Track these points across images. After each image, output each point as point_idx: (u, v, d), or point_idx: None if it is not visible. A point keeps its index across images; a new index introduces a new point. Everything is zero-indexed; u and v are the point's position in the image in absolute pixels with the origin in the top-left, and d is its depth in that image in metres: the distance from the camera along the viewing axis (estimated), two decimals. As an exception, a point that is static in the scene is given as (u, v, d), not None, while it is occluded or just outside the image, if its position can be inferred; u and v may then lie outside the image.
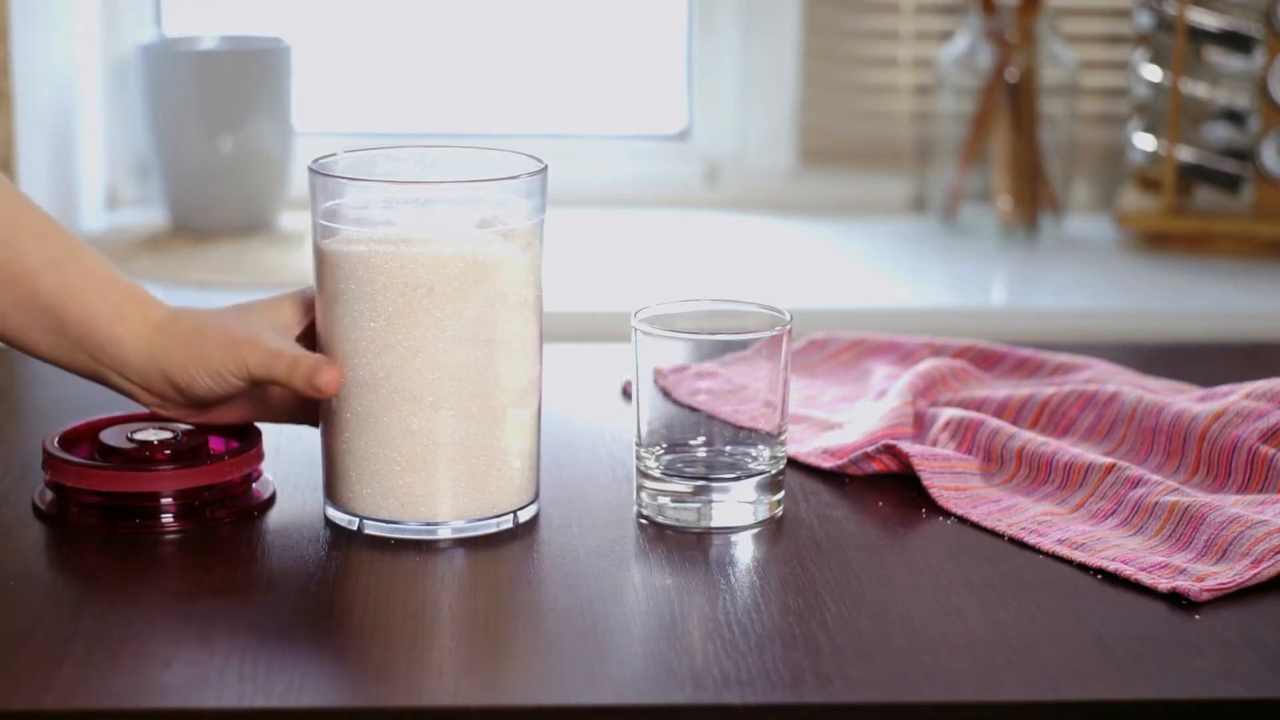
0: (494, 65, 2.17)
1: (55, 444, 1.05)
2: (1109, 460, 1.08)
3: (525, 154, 1.03)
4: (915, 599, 0.95)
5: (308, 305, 1.04)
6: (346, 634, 0.91)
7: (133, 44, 2.05)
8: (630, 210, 2.14)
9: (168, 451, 1.04)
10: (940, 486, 1.08)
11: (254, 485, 1.06)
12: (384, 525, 1.01)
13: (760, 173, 2.17)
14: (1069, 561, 1.00)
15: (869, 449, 1.11)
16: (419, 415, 1.00)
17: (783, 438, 1.05)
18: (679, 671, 0.87)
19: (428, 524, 1.01)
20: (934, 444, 1.14)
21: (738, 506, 1.04)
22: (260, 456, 1.07)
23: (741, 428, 1.05)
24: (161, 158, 2.01)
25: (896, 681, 0.87)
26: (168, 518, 1.02)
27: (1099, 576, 0.98)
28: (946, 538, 1.04)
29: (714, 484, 1.04)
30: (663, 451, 1.05)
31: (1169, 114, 1.98)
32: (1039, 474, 1.10)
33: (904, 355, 1.30)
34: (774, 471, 1.05)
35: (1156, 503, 1.04)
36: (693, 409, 1.06)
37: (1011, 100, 2.03)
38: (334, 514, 1.03)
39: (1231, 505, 1.04)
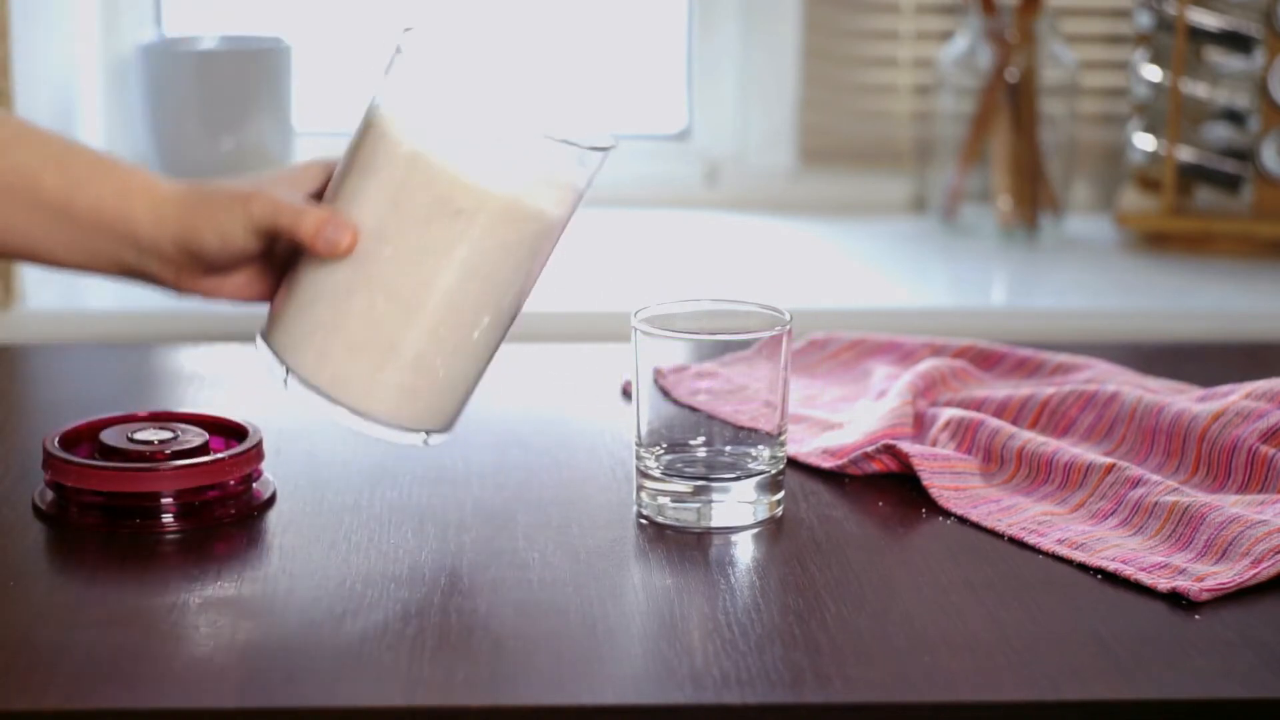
0: (494, 65, 2.17)
1: (55, 444, 1.05)
2: (1109, 460, 1.08)
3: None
4: (915, 599, 0.95)
5: (329, 173, 1.03)
6: (346, 634, 0.91)
7: (133, 44, 2.05)
8: (630, 210, 2.14)
9: (168, 451, 1.04)
10: (940, 486, 1.08)
11: (254, 485, 1.06)
12: (312, 392, 1.00)
13: (760, 173, 2.17)
14: (1069, 561, 1.00)
15: (869, 449, 1.11)
16: (393, 311, 0.99)
17: (783, 438, 1.05)
18: (679, 671, 0.87)
19: (354, 411, 1.00)
20: (934, 444, 1.14)
21: (738, 506, 1.04)
22: (260, 456, 1.07)
23: (741, 428, 1.05)
24: (161, 158, 2.00)
25: (896, 681, 0.87)
26: (168, 518, 1.02)
27: (1099, 576, 0.98)
28: (946, 538, 1.04)
29: (714, 484, 1.04)
30: (663, 451, 1.05)
31: (1169, 114, 1.98)
32: (1039, 474, 1.10)
33: (904, 355, 1.30)
34: (774, 471, 1.05)
35: (1156, 503, 1.04)
36: (693, 409, 1.06)
37: (1011, 100, 2.02)
38: (264, 352, 1.02)
39: (1231, 505, 1.04)
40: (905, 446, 1.10)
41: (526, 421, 1.22)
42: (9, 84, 1.73)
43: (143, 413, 1.10)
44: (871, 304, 1.88)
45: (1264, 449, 1.08)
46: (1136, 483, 1.06)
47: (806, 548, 1.02)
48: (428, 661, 0.88)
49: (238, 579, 0.97)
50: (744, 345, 1.04)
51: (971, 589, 0.96)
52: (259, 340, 1.02)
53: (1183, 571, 0.97)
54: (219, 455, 1.05)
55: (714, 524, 1.04)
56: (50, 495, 1.05)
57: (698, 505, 1.04)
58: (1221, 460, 1.09)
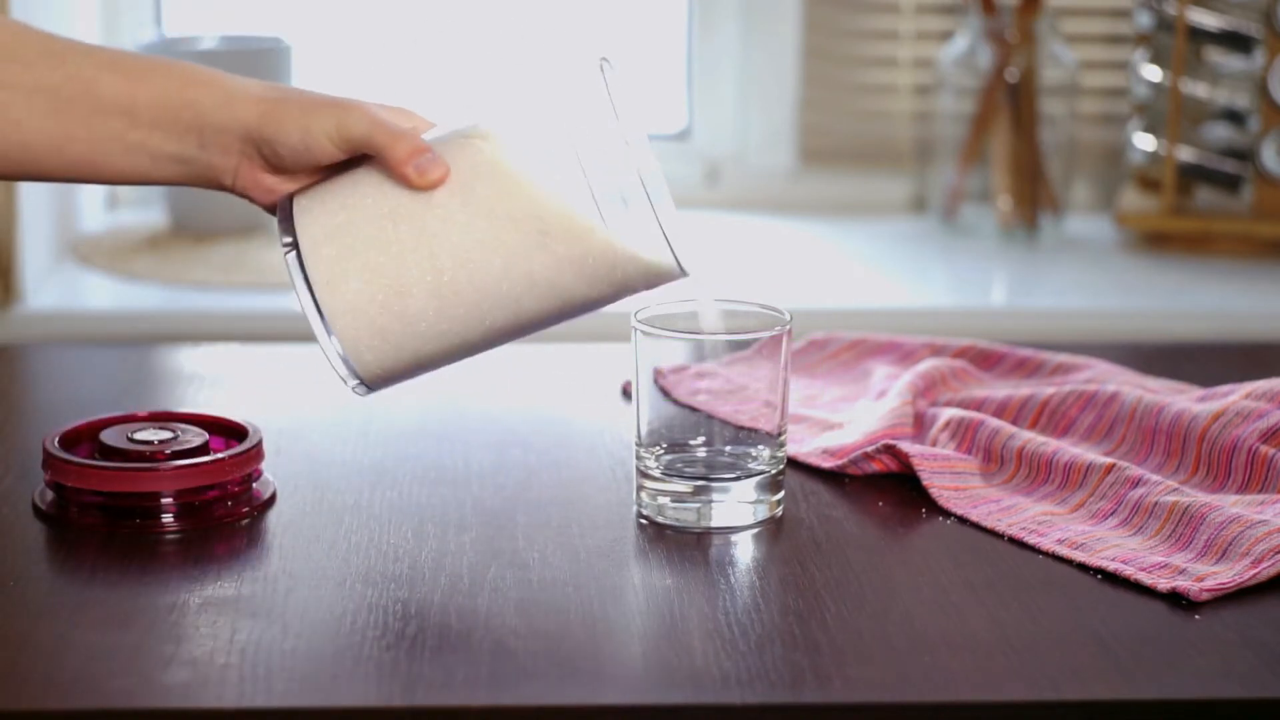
0: (494, 65, 2.17)
1: (55, 444, 1.05)
2: (1109, 460, 1.08)
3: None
4: (915, 599, 0.95)
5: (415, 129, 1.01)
6: (346, 634, 0.91)
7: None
8: (630, 210, 2.14)
9: (168, 451, 1.04)
10: (940, 486, 1.08)
11: (254, 485, 1.06)
12: (299, 275, 0.97)
13: (760, 173, 2.17)
14: (1069, 561, 1.00)
15: (869, 449, 1.11)
16: (425, 265, 0.97)
17: (783, 438, 1.05)
18: (679, 671, 0.87)
19: (325, 317, 0.97)
20: (934, 444, 1.14)
21: (738, 506, 1.04)
22: (260, 456, 1.07)
23: (741, 428, 1.05)
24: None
25: (896, 681, 0.87)
26: (168, 518, 1.02)
27: (1099, 576, 0.98)
28: (946, 538, 1.04)
29: (714, 484, 1.04)
30: (663, 451, 1.05)
31: (1169, 114, 1.98)
32: (1039, 474, 1.10)
33: (904, 355, 1.30)
34: (774, 471, 1.05)
35: (1156, 503, 1.04)
36: (693, 409, 1.06)
37: (1011, 100, 2.02)
38: (283, 213, 0.99)
39: (1231, 505, 1.04)
40: (905, 446, 1.10)
41: (526, 421, 1.22)
42: (9, 84, 1.73)
43: (143, 413, 1.10)
44: (871, 304, 1.88)
45: (1264, 449, 1.08)
46: (1136, 483, 1.06)
47: (806, 548, 1.02)
48: (428, 661, 0.88)
49: (238, 579, 0.97)
50: (744, 345, 1.04)
51: (971, 589, 0.96)
52: (285, 200, 0.99)
53: (1183, 571, 0.97)
54: (219, 455, 1.05)
55: (714, 524, 1.04)
56: (50, 495, 1.05)
57: (698, 505, 1.04)
58: (1221, 460, 1.10)
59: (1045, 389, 1.19)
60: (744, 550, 1.02)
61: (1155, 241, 2.03)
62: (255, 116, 0.98)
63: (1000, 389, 1.22)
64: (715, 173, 2.17)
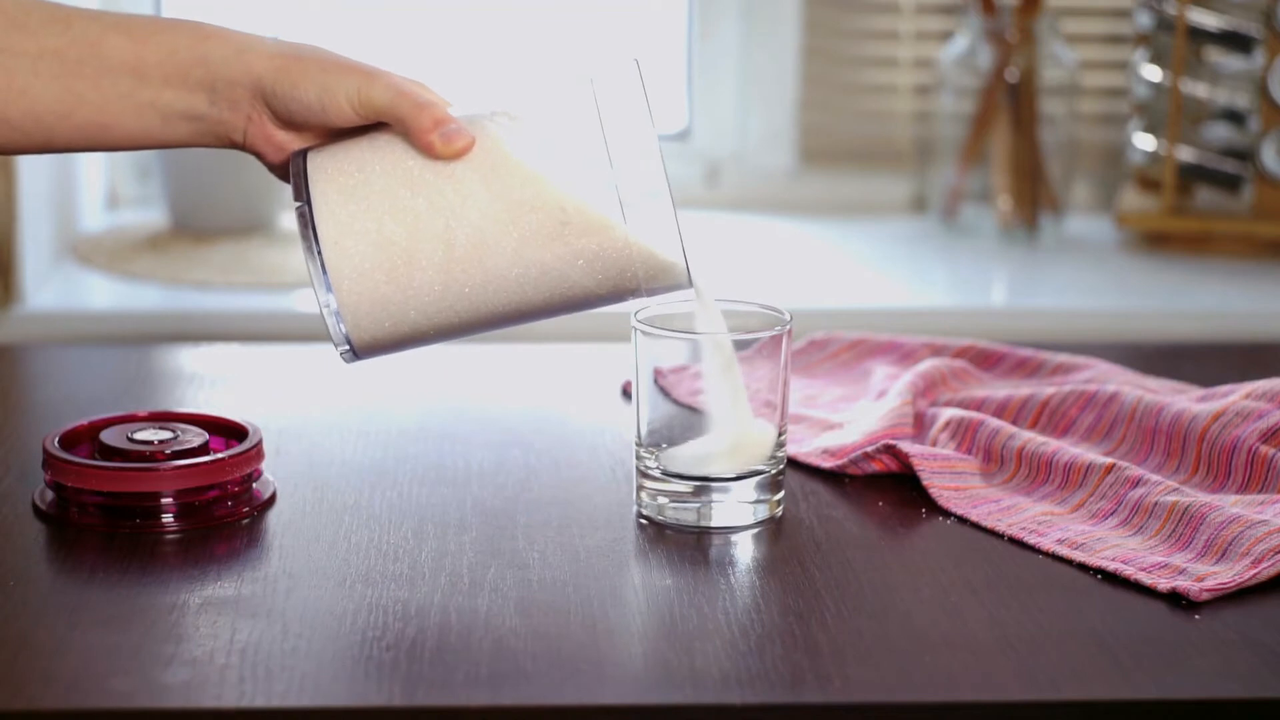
0: (494, 65, 2.17)
1: (55, 444, 1.05)
2: (1109, 460, 1.08)
3: None
4: (915, 599, 0.95)
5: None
6: (346, 634, 0.91)
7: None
8: (630, 210, 2.14)
9: (168, 451, 1.04)
10: (940, 486, 1.08)
11: (254, 485, 1.06)
12: (309, 231, 0.96)
13: (760, 173, 2.17)
14: (1069, 561, 1.00)
15: (869, 449, 1.11)
16: (438, 237, 0.96)
17: (783, 438, 1.05)
18: (679, 671, 0.87)
19: (328, 276, 0.96)
20: (934, 444, 1.14)
21: (738, 506, 1.04)
22: (260, 456, 1.07)
23: (741, 428, 1.05)
24: (161, 158, 2.00)
25: (896, 681, 0.87)
26: (168, 518, 1.02)
27: (1099, 576, 0.98)
28: (946, 538, 1.04)
29: (714, 484, 1.04)
30: (663, 451, 1.05)
31: (1169, 114, 1.98)
32: (1039, 474, 1.10)
33: (904, 355, 1.30)
34: (774, 471, 1.05)
35: (1156, 503, 1.04)
36: (693, 409, 1.06)
37: (1011, 100, 2.02)
38: (297, 169, 0.98)
39: (1231, 505, 1.03)
40: (905, 446, 1.10)
41: (526, 421, 1.22)
42: (9, 84, 1.73)
43: (143, 413, 1.10)
44: (871, 304, 1.88)
45: (1264, 449, 1.08)
46: (1136, 483, 1.06)
47: (806, 548, 1.02)
48: (428, 661, 0.88)
49: (238, 579, 0.97)
50: (744, 345, 1.04)
51: (971, 589, 0.96)
52: (298, 157, 0.99)
53: (1183, 571, 0.97)
54: (219, 455, 1.05)
55: (714, 524, 1.04)
56: (50, 495, 1.05)
57: (698, 505, 1.04)
58: (1221, 460, 1.10)
59: (1045, 389, 1.19)
60: (744, 550, 1.02)
61: (1155, 241, 2.03)
62: (270, 70, 0.97)
63: (1000, 389, 1.22)
64: (715, 173, 2.17)
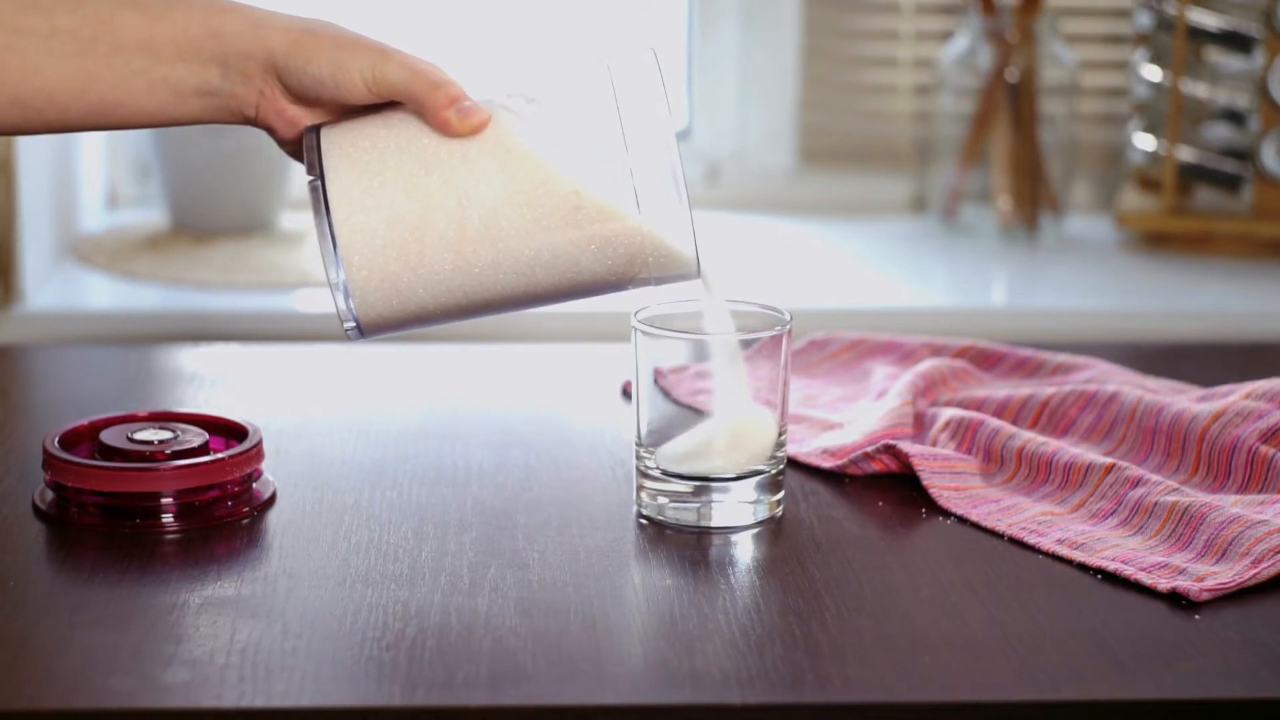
0: (494, 64, 2.17)
1: (55, 444, 1.05)
2: (1109, 460, 1.08)
3: None
4: (915, 599, 0.95)
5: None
6: (346, 634, 0.91)
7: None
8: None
9: (168, 451, 1.04)
10: (940, 486, 1.08)
11: (254, 485, 1.06)
12: (322, 207, 0.96)
13: (760, 173, 2.17)
14: (1069, 561, 1.00)
15: (869, 449, 1.11)
16: (451, 217, 0.96)
17: (783, 438, 1.05)
18: (679, 671, 0.87)
19: (340, 251, 0.96)
20: (934, 444, 1.14)
21: (738, 506, 1.04)
22: (260, 456, 1.07)
23: (741, 428, 1.05)
24: (161, 158, 2.01)
25: (896, 681, 0.87)
26: (168, 518, 1.02)
27: (1099, 576, 0.98)
28: (946, 538, 1.04)
29: (714, 484, 1.04)
30: (665, 443, 1.05)
31: (1169, 114, 1.98)
32: (1039, 474, 1.10)
33: (904, 355, 1.30)
34: (774, 471, 1.05)
35: (1156, 503, 1.04)
36: (693, 409, 1.06)
37: (1011, 100, 2.02)
38: (311, 143, 0.98)
39: (1231, 505, 1.03)
40: (905, 446, 1.10)
41: (526, 421, 1.22)
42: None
43: (143, 413, 1.10)
44: (871, 304, 1.88)
45: (1264, 449, 1.08)
46: (1136, 483, 1.06)
47: (806, 548, 1.02)
48: (428, 661, 0.88)
49: (238, 579, 0.97)
50: (744, 345, 1.04)
51: (971, 589, 0.96)
52: (311, 133, 0.98)
53: (1183, 571, 0.97)
54: (219, 455, 1.05)
55: (714, 524, 1.04)
56: (50, 495, 1.05)
57: (698, 505, 1.04)
58: (1221, 460, 1.09)
59: (1045, 389, 1.19)
60: (744, 550, 1.02)
61: (1155, 241, 2.03)
62: (284, 45, 0.97)
63: (1000, 389, 1.22)
64: (715, 173, 2.17)
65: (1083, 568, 0.99)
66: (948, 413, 1.15)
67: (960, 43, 2.06)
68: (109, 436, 1.06)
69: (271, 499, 1.06)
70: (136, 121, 1.00)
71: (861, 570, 0.99)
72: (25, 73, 0.97)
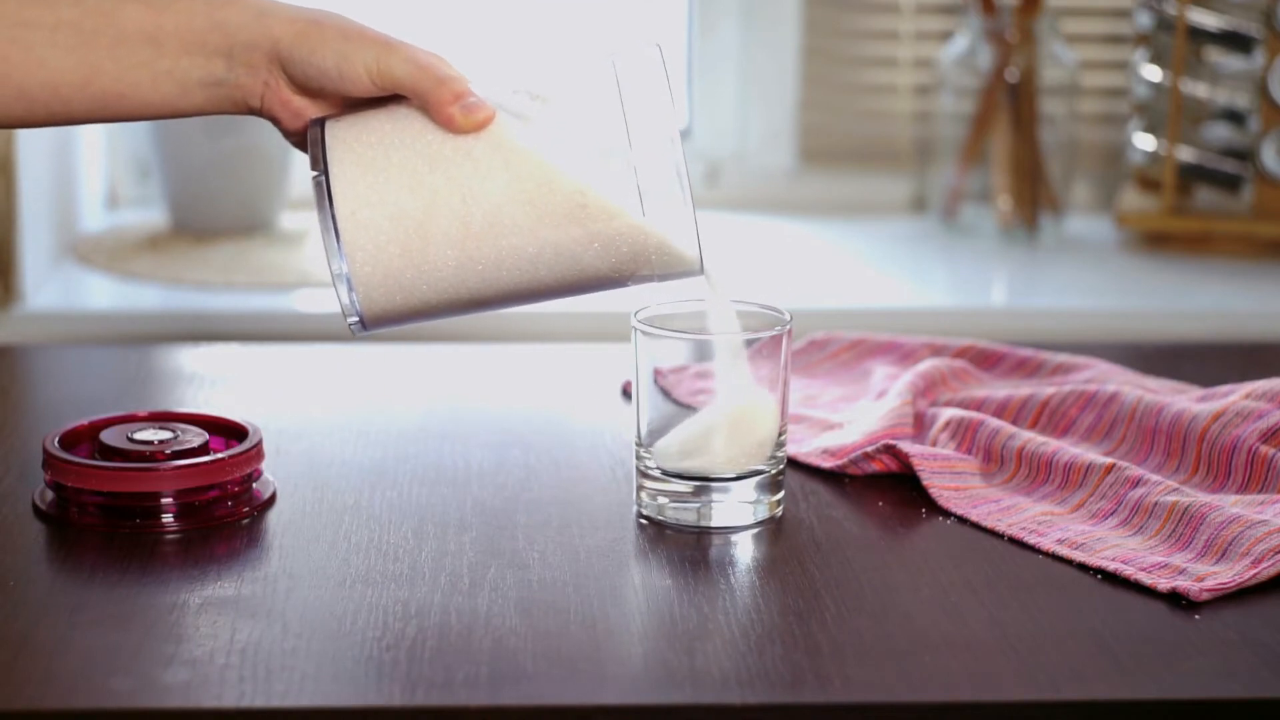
0: (493, 64, 2.17)
1: (55, 444, 1.05)
2: (1109, 460, 1.08)
3: None
4: (915, 599, 0.95)
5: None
6: (346, 634, 0.91)
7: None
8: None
9: (168, 451, 1.04)
10: (940, 486, 1.08)
11: (254, 485, 1.06)
12: (325, 201, 0.96)
13: (760, 173, 2.17)
14: (1069, 561, 1.00)
15: (869, 449, 1.11)
16: (455, 212, 0.96)
17: (783, 438, 1.05)
18: (679, 671, 0.87)
19: (343, 246, 0.96)
20: (934, 444, 1.14)
21: (738, 506, 1.04)
22: (260, 456, 1.07)
23: (741, 428, 1.05)
24: (161, 158, 2.01)
25: (896, 681, 0.87)
26: (168, 518, 1.02)
27: (1099, 576, 0.98)
28: (946, 538, 1.04)
29: (714, 484, 1.04)
30: (666, 433, 1.05)
31: (1169, 114, 1.98)
32: (1039, 474, 1.10)
33: (904, 355, 1.30)
34: (774, 471, 1.05)
35: (1156, 503, 1.04)
36: (693, 409, 1.06)
37: (1011, 100, 2.02)
38: (315, 137, 0.98)
39: (1231, 505, 1.03)
40: (905, 446, 1.10)
41: (526, 421, 1.22)
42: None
43: (143, 413, 1.10)
44: (871, 304, 1.88)
45: (1264, 449, 1.08)
46: (1136, 483, 1.06)
47: (806, 548, 1.02)
48: (428, 661, 0.88)
49: (238, 579, 0.97)
50: (744, 346, 1.04)
51: (971, 589, 0.96)
52: (316, 125, 0.98)
53: (1183, 571, 0.97)
54: (219, 455, 1.05)
55: (714, 524, 1.04)
56: (50, 495, 1.05)
57: (698, 505, 1.04)
58: (1221, 460, 1.09)
59: (1045, 389, 1.19)
60: (744, 550, 1.02)
61: (1155, 241, 2.03)
62: (289, 35, 0.97)
63: (1000, 389, 1.22)
64: (715, 173, 2.17)
65: (1083, 568, 0.99)
66: (948, 413, 1.15)
67: (960, 43, 2.06)
68: (109, 436, 1.06)
69: (271, 499, 1.06)
70: (141, 113, 1.00)
71: (861, 570, 0.99)
72: (29, 65, 0.97)
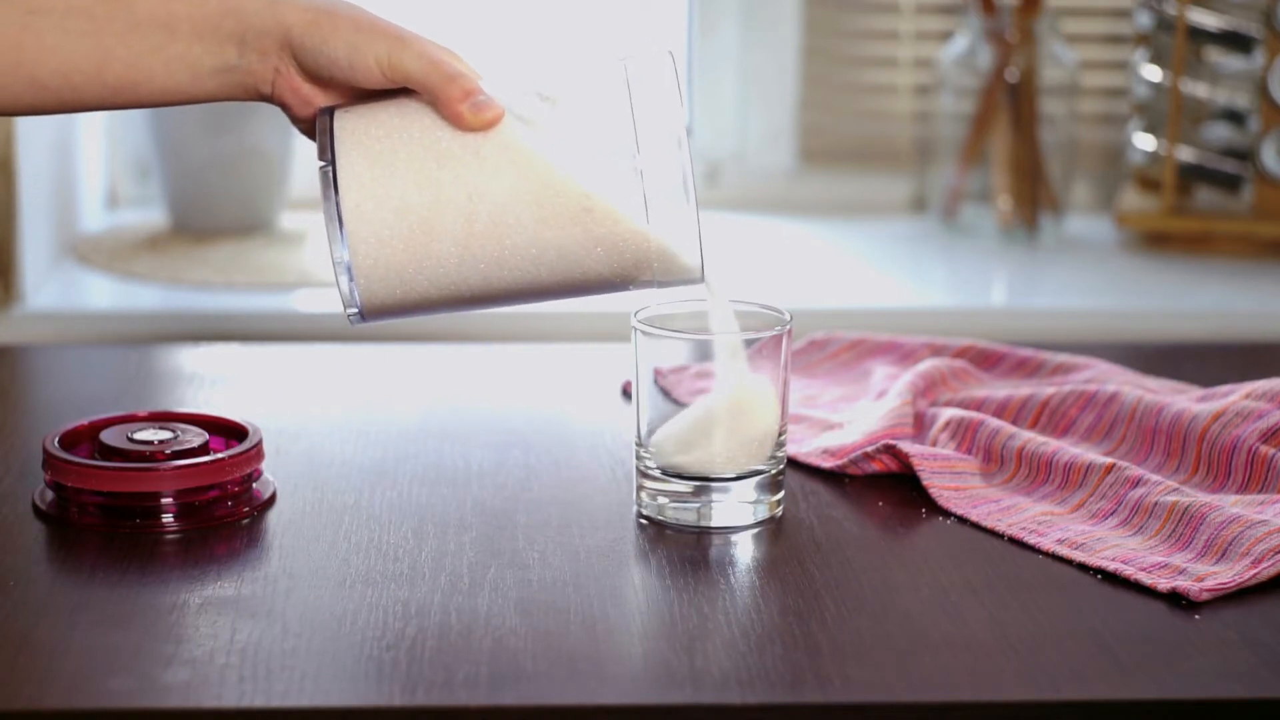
0: (493, 65, 2.17)
1: (55, 444, 1.05)
2: (1109, 460, 1.08)
3: None
4: (915, 599, 0.95)
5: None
6: (346, 634, 0.91)
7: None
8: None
9: (168, 451, 1.04)
10: (940, 486, 1.08)
11: (254, 485, 1.06)
12: (331, 193, 0.96)
13: (760, 173, 2.17)
14: (1069, 561, 1.00)
15: (869, 449, 1.11)
16: (460, 209, 0.96)
17: (783, 438, 1.05)
18: (679, 671, 0.87)
19: (348, 238, 0.96)
20: (934, 444, 1.14)
21: (738, 506, 1.04)
22: (260, 456, 1.07)
23: (741, 428, 1.05)
24: (161, 158, 2.00)
25: (896, 681, 0.87)
26: (168, 518, 1.02)
27: (1099, 576, 0.98)
28: (946, 538, 1.04)
29: (714, 484, 1.04)
30: (663, 424, 1.05)
31: (1169, 114, 1.98)
32: (1039, 474, 1.10)
33: (904, 355, 1.30)
34: (774, 471, 1.05)
35: (1156, 502, 1.04)
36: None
37: (1011, 100, 2.02)
38: (324, 126, 0.98)
39: (1231, 505, 1.04)
40: (905, 446, 1.10)
41: (526, 421, 1.22)
42: (9, 84, 1.73)
43: (143, 413, 1.10)
44: (871, 304, 1.88)
45: (1264, 449, 1.08)
46: (1136, 483, 1.06)
47: (806, 548, 1.02)
48: (428, 661, 0.88)
49: (238, 579, 0.97)
50: (744, 346, 1.04)
51: (971, 589, 0.96)
52: (325, 115, 0.98)
53: (1183, 571, 0.97)
54: (219, 455, 1.05)
55: (714, 524, 1.04)
56: (50, 495, 1.05)
57: (698, 505, 1.04)
58: (1221, 460, 1.10)
59: (1045, 389, 1.19)
60: (744, 550, 1.02)
61: (1155, 241, 2.03)
62: (301, 23, 0.97)
63: (1000, 389, 1.22)
64: (715, 173, 2.17)
65: (1083, 568, 0.99)
66: (948, 413, 1.15)
67: (960, 43, 2.06)
68: (109, 436, 1.06)
69: (271, 499, 1.06)
70: (153, 100, 1.00)
71: (861, 570, 0.99)
72: (42, 53, 0.97)
